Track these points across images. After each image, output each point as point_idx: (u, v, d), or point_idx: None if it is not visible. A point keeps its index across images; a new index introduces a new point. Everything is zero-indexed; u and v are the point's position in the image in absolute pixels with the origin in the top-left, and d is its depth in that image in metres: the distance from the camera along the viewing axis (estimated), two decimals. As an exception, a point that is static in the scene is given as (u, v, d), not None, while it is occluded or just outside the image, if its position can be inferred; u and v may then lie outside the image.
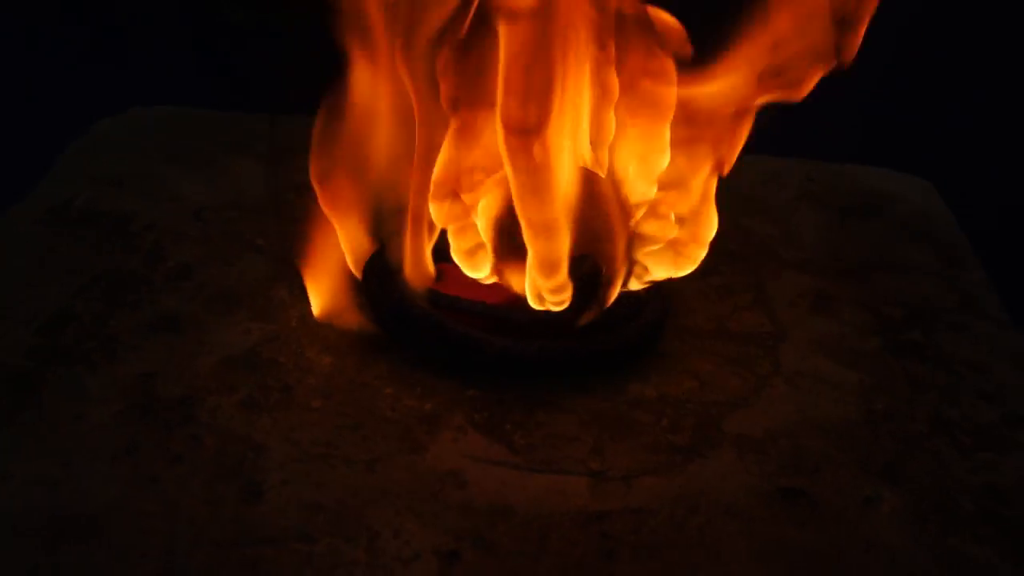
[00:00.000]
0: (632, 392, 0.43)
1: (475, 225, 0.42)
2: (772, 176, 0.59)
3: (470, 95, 0.39)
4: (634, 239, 0.43)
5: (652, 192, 0.43)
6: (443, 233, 0.44)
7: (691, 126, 0.42)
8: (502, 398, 0.42)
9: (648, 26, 0.40)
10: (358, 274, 0.44)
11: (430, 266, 0.43)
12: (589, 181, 0.40)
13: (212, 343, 0.43)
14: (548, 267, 0.41)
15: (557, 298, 0.42)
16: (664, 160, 0.42)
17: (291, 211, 0.52)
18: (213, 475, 0.37)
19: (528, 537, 0.36)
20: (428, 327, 0.42)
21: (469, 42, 0.39)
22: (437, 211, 0.42)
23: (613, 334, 0.43)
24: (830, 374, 0.45)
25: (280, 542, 0.35)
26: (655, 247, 0.44)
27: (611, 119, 0.41)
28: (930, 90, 0.78)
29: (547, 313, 0.42)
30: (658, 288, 0.45)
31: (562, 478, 0.39)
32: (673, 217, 0.44)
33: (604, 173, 0.41)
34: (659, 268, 0.44)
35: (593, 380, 0.43)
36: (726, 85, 0.41)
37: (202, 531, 0.35)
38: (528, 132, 0.39)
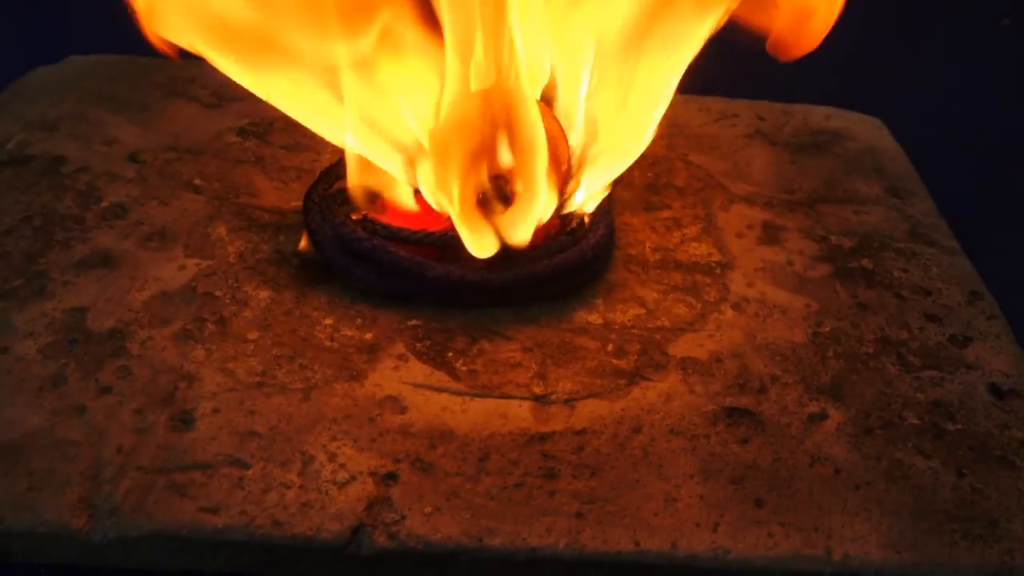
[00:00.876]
0: (577, 320, 0.42)
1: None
2: (722, 115, 0.58)
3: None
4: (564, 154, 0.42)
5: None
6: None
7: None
8: (445, 327, 0.41)
9: None
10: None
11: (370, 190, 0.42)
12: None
13: (146, 278, 0.42)
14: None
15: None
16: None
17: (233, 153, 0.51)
18: (143, 404, 0.36)
19: (468, 458, 0.35)
20: (365, 252, 0.41)
21: None
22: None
23: (555, 259, 0.42)
24: (777, 300, 0.44)
25: (211, 467, 0.34)
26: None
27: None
28: (879, 32, 0.78)
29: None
30: (604, 216, 0.44)
31: (504, 402, 0.38)
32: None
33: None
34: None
35: (538, 310, 0.42)
36: None
37: (129, 457, 0.34)
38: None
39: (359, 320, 0.41)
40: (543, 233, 0.43)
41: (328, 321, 0.41)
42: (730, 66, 0.72)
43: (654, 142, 0.54)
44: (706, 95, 0.60)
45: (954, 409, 0.39)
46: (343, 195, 0.43)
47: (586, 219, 0.44)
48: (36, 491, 0.33)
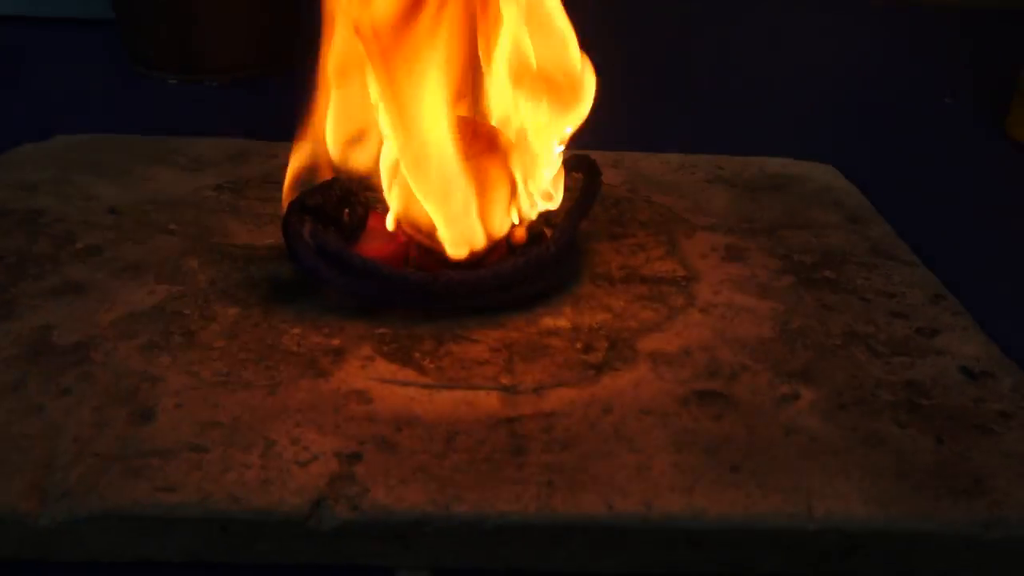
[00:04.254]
0: (545, 325, 0.42)
1: None
2: (682, 166, 0.61)
3: None
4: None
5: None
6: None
7: None
8: (411, 333, 0.41)
9: None
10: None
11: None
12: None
13: (115, 301, 0.42)
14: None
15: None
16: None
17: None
18: (103, 403, 0.35)
19: (434, 438, 0.34)
20: (338, 256, 0.41)
21: None
22: None
23: (525, 255, 0.42)
24: (744, 303, 0.45)
25: (169, 453, 0.33)
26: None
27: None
28: (822, 89, 0.83)
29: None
30: (567, 225, 0.45)
31: (471, 392, 0.37)
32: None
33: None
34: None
35: (505, 317, 0.43)
36: None
37: (86, 446, 0.33)
38: None
39: (326, 329, 0.41)
40: (506, 245, 0.44)
41: (296, 331, 0.41)
42: (687, 129, 0.76)
43: (616, 187, 0.57)
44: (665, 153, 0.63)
45: (927, 387, 0.39)
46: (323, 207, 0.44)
47: (547, 232, 0.45)
48: (-15, 476, 0.31)
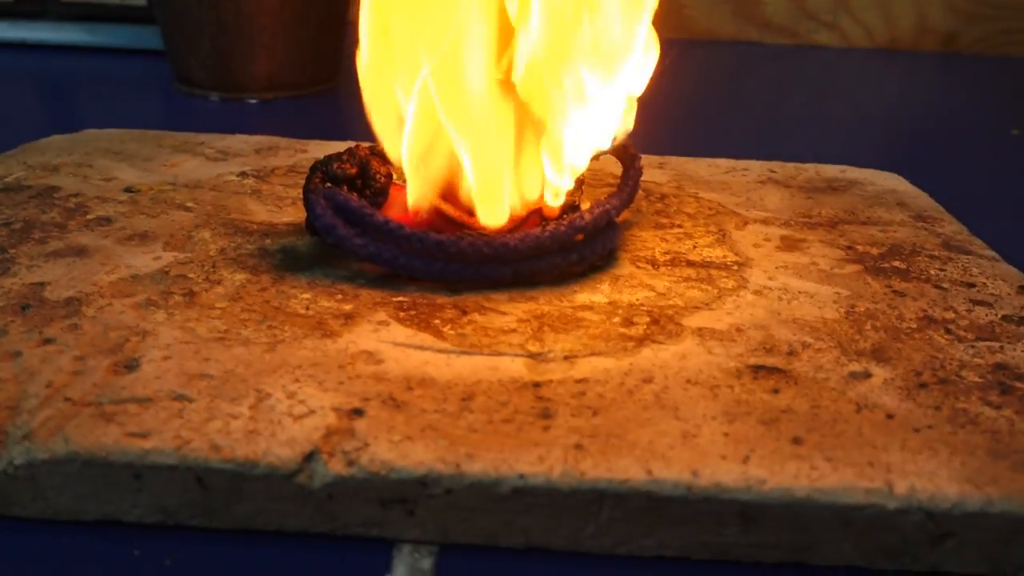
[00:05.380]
0: (580, 299, 0.38)
1: None
2: (732, 169, 0.57)
3: None
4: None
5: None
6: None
7: None
8: (433, 303, 0.37)
9: None
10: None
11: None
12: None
13: (117, 264, 0.39)
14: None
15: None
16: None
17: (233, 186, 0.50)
18: (86, 353, 0.32)
19: (449, 399, 0.30)
20: (352, 214, 0.38)
21: None
22: None
23: (553, 229, 0.39)
24: (802, 288, 0.40)
25: (149, 401, 0.29)
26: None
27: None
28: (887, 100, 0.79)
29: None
30: (605, 202, 0.41)
31: (495, 358, 0.33)
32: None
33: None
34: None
35: (536, 291, 0.39)
36: None
37: (58, 391, 0.30)
38: None
39: (339, 296, 0.38)
40: (538, 218, 0.41)
41: (305, 296, 0.37)
42: (736, 134, 0.72)
43: (661, 185, 0.53)
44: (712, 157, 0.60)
45: (1022, 371, 0.34)
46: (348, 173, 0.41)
47: (581, 203, 0.41)
48: (-58, 412, 0.28)
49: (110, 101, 0.83)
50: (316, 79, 0.85)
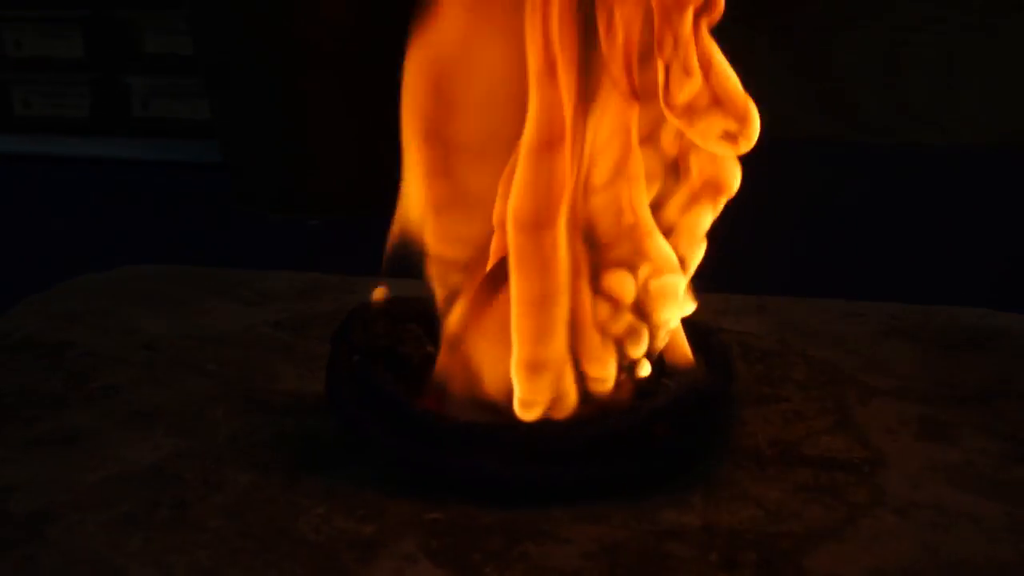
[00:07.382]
0: (664, 521, 0.30)
1: None
2: (845, 314, 0.48)
3: None
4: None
5: None
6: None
7: None
8: (475, 524, 0.29)
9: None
10: None
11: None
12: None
13: (106, 457, 0.33)
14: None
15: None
16: None
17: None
18: (32, 604, 0.25)
19: None
20: (383, 402, 0.31)
21: None
22: None
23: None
24: (960, 505, 0.31)
25: None
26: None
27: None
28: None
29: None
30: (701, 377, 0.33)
31: (550, 624, 0.25)
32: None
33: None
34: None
35: (606, 505, 0.30)
36: None
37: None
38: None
39: (361, 511, 0.30)
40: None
41: (319, 510, 0.30)
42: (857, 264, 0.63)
43: (761, 338, 0.45)
44: (819, 297, 0.51)
45: None
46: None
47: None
48: None
49: (170, 218, 0.80)
50: (378, 197, 0.81)
